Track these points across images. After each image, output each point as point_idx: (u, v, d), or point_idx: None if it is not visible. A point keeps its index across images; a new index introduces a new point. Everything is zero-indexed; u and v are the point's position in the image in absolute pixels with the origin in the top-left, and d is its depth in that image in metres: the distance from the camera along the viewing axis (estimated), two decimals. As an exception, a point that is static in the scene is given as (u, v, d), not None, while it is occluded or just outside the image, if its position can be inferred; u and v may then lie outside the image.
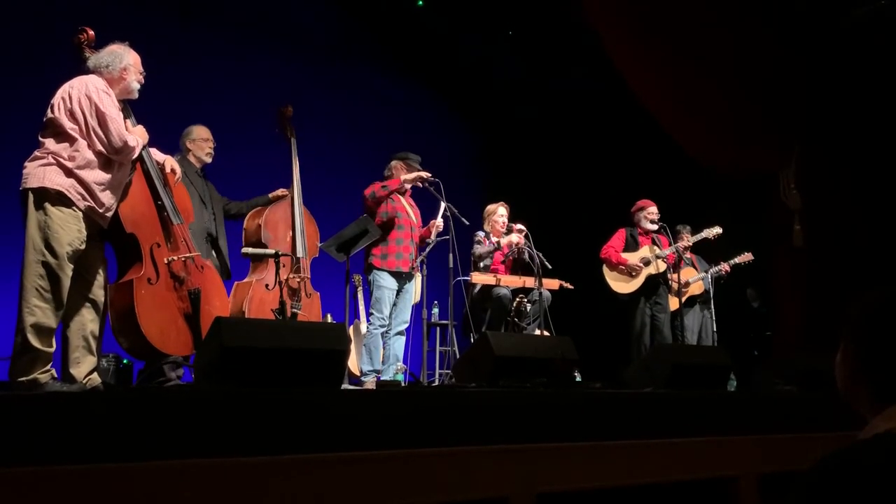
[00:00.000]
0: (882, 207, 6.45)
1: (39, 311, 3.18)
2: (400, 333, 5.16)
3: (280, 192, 4.89)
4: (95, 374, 3.45)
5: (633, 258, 6.06)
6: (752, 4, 6.17)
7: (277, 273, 4.21)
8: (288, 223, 4.76)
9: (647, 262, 6.04)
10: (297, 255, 4.59)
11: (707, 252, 6.63)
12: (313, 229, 4.88)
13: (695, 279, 6.38)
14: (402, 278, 5.13)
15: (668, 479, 2.93)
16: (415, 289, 5.38)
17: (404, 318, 5.19)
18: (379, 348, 5.03)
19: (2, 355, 3.52)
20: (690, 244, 6.28)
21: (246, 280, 4.60)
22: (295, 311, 4.23)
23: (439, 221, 5.13)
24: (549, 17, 7.33)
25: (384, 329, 5.05)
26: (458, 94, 8.23)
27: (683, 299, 6.07)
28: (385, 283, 5.03)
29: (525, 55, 8.18)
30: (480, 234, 5.81)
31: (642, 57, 6.35)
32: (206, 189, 4.63)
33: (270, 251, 4.23)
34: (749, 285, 7.27)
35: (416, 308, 5.46)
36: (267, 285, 4.45)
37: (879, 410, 1.26)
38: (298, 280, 4.52)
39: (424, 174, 5.14)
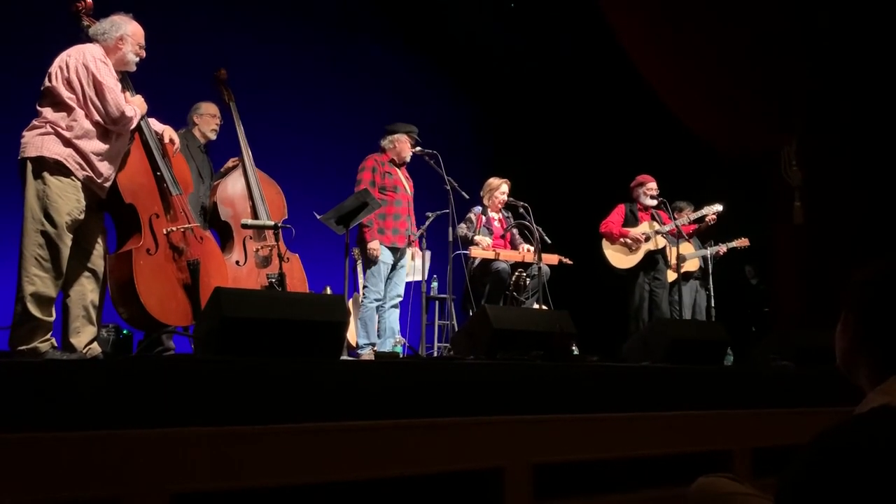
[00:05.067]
0: (883, 184, 6.44)
1: (39, 281, 3.18)
2: (394, 306, 5.17)
3: (231, 162, 4.71)
4: (95, 344, 3.47)
5: (634, 231, 6.06)
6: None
7: (245, 248, 4.19)
8: (244, 193, 4.55)
9: (647, 238, 6.05)
10: (270, 223, 4.38)
11: (706, 229, 6.62)
12: (275, 192, 4.67)
13: (691, 255, 6.39)
14: (398, 252, 5.14)
15: (663, 451, 2.96)
16: (414, 265, 5.37)
17: (398, 291, 5.20)
18: (374, 321, 5.05)
19: (2, 324, 3.53)
20: (691, 221, 6.28)
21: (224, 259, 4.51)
22: (271, 280, 4.16)
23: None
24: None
25: (379, 303, 5.06)
26: (459, 67, 8.17)
27: (680, 273, 6.08)
28: (382, 256, 5.03)
29: (527, 28, 8.11)
30: (477, 209, 5.78)
31: (644, 30, 6.30)
32: (205, 164, 4.66)
33: (270, 223, 4.22)
34: (748, 262, 7.29)
35: (416, 281, 5.46)
36: (237, 262, 4.36)
37: (877, 384, 1.26)
38: (269, 248, 4.39)
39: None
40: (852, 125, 6.54)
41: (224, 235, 4.51)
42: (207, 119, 4.71)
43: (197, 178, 4.45)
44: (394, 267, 5.13)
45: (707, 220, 6.20)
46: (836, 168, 6.64)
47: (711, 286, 6.42)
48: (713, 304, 6.38)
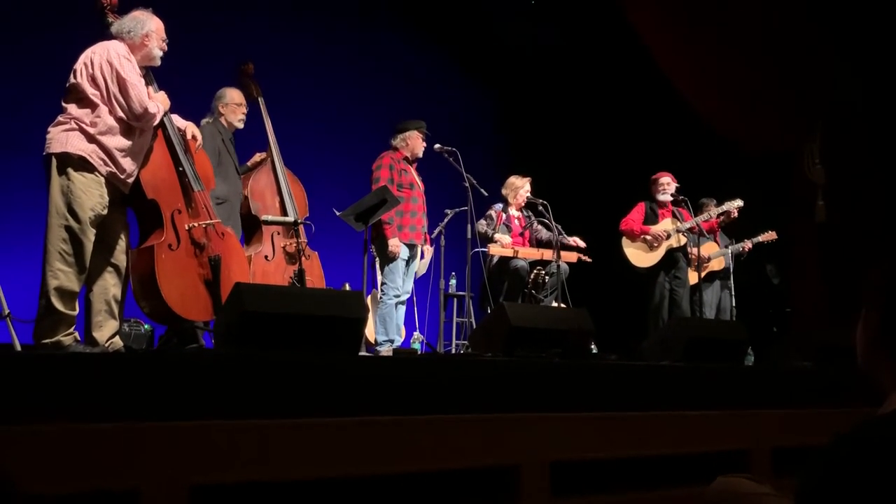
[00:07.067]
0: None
1: (63, 275, 3.23)
2: (402, 303, 5.19)
3: (258, 156, 4.69)
4: (118, 338, 3.50)
5: (655, 229, 6.01)
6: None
7: (273, 243, 4.21)
8: (273, 188, 4.56)
9: (668, 235, 6.00)
10: (290, 219, 4.44)
11: (727, 226, 6.56)
12: (299, 189, 4.68)
13: (716, 255, 6.31)
14: (414, 249, 5.15)
15: (681, 451, 2.94)
16: (423, 261, 5.40)
17: (408, 288, 5.23)
18: (393, 318, 5.06)
19: (26, 318, 3.58)
20: (713, 217, 6.22)
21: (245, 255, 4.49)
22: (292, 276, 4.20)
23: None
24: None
25: (398, 299, 5.07)
26: (478, 61, 8.14)
27: (703, 274, 6.02)
28: (400, 253, 5.04)
29: (547, 23, 8.07)
30: (498, 206, 5.77)
31: (666, 26, 6.26)
32: (234, 156, 4.61)
33: (289, 219, 4.25)
34: (769, 261, 7.21)
35: (434, 278, 5.47)
36: (266, 256, 4.40)
37: (899, 383, 1.24)
38: (295, 244, 4.38)
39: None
40: (877, 122, 6.46)
41: (252, 229, 4.53)
42: (233, 108, 4.54)
43: (234, 175, 4.42)
44: (408, 264, 5.15)
45: (728, 216, 6.14)
46: (857, 166, 6.56)
47: (732, 285, 6.35)
48: (734, 304, 6.32)
